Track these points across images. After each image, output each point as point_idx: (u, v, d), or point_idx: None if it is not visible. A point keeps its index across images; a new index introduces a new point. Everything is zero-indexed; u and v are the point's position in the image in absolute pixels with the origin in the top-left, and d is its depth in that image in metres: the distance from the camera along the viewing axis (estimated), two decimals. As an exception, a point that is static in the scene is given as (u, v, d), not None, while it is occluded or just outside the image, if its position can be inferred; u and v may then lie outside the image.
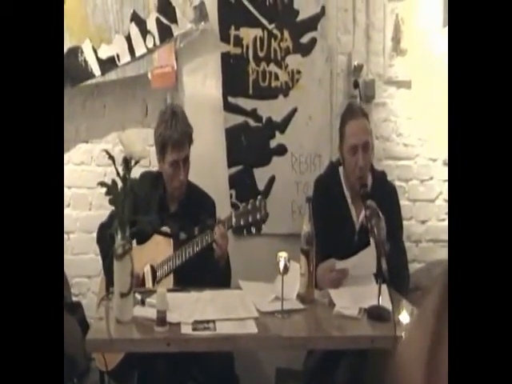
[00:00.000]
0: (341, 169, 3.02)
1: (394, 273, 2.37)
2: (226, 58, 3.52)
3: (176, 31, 3.43)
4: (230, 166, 3.55)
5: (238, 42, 3.53)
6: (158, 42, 3.44)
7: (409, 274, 2.91)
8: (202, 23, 3.45)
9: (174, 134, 2.77)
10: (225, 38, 3.52)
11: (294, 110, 3.57)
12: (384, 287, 2.37)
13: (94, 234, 3.07)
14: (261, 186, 3.55)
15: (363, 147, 2.85)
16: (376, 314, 2.38)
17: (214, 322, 2.31)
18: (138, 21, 3.43)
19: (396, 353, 0.58)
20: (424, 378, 0.52)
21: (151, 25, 3.43)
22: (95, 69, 3.42)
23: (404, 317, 2.28)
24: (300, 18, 3.55)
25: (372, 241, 2.55)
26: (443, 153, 3.62)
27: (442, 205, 3.70)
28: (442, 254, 3.59)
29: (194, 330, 2.25)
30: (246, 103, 3.54)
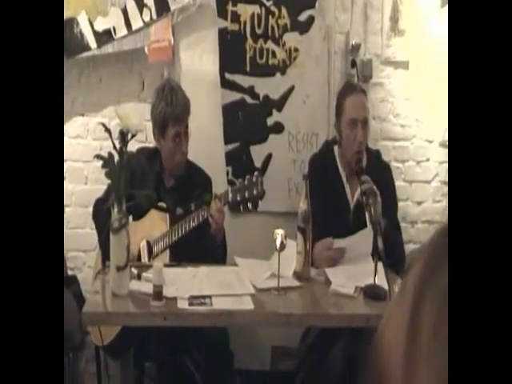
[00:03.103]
0: (336, 148, 3.01)
1: (390, 250, 2.38)
2: (223, 34, 3.49)
3: (173, 5, 3.39)
4: (226, 142, 3.52)
5: (236, 18, 3.49)
6: (154, 16, 3.40)
7: (404, 252, 2.92)
8: (200, -2, 3.41)
9: (176, 109, 2.76)
10: (222, 13, 3.48)
11: (292, 88, 3.54)
12: (380, 266, 2.38)
13: (90, 209, 3.05)
14: (257, 163, 3.54)
15: (362, 123, 2.84)
16: (372, 293, 2.39)
17: (210, 297, 2.31)
18: (135, -7, 3.39)
19: (377, 331, 0.57)
20: (404, 354, 0.52)
21: (148, -2, 3.39)
22: (91, 41, 3.38)
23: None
24: (298, -5, 3.52)
25: (368, 219, 2.55)
26: (440, 134, 3.62)
27: (437, 186, 3.71)
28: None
29: (190, 304, 2.25)
30: (243, 80, 3.51)
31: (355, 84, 3.02)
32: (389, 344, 0.55)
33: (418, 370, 0.50)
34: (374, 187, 2.62)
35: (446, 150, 3.65)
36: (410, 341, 0.52)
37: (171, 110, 2.76)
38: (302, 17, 3.53)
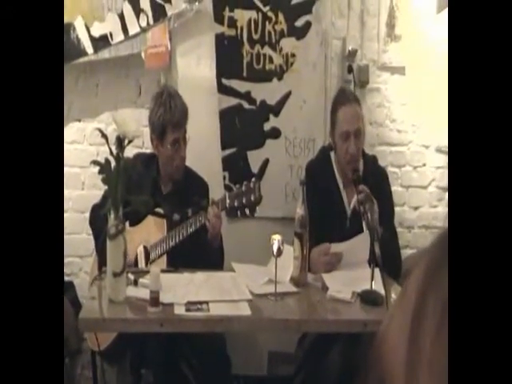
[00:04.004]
0: (332, 154, 3.01)
1: (387, 257, 2.38)
2: (220, 39, 3.49)
3: (170, 11, 3.39)
4: (223, 148, 3.52)
5: (233, 23, 3.49)
6: (151, 22, 3.40)
7: (401, 257, 2.93)
8: (196, 3, 3.41)
9: (175, 115, 2.76)
10: (219, 19, 3.48)
11: (288, 94, 3.55)
12: (377, 271, 2.38)
13: (87, 214, 3.05)
14: (254, 168, 3.54)
15: (355, 134, 2.85)
16: (369, 298, 2.39)
17: (207, 303, 2.31)
18: (132, -1, 3.39)
19: (378, 333, 0.57)
20: (406, 356, 0.52)
21: (145, 4, 3.39)
22: (88, 46, 3.38)
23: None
24: (295, 0, 3.52)
25: (365, 226, 2.56)
26: (436, 139, 3.63)
27: (434, 191, 3.72)
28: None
29: (187, 310, 2.25)
30: (240, 85, 3.51)
31: (348, 93, 3.02)
32: (390, 346, 0.55)
33: (420, 372, 0.50)
34: (372, 196, 2.62)
35: (443, 156, 3.65)
36: (411, 343, 0.52)
37: (170, 116, 2.76)
38: (299, 22, 3.54)
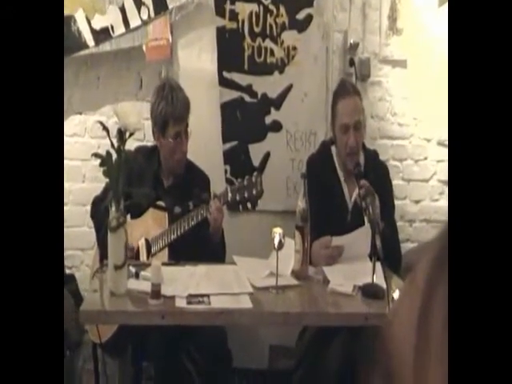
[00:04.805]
0: (333, 147, 3.01)
1: (387, 251, 2.38)
2: (221, 32, 3.48)
3: (171, 4, 3.39)
4: (224, 141, 3.52)
5: (234, 16, 3.48)
6: (152, 14, 3.39)
7: (400, 251, 2.93)
8: (198, -4, 3.40)
9: (177, 108, 2.76)
10: (220, 12, 3.47)
11: (290, 87, 3.54)
12: (378, 265, 2.38)
13: (88, 207, 3.05)
14: (256, 162, 3.53)
15: (354, 126, 2.85)
16: (370, 292, 2.39)
17: (208, 296, 2.31)
18: (133, -8, 3.38)
19: (386, 321, 0.57)
20: (415, 345, 0.52)
21: (146, -4, 3.38)
22: (89, 39, 3.37)
23: (397, 295, 2.29)
24: (296, -7, 3.52)
25: (366, 219, 2.56)
26: (438, 133, 3.62)
27: (435, 185, 3.71)
28: (435, 234, 3.60)
29: (188, 303, 2.25)
30: (242, 78, 3.51)
31: (348, 85, 3.00)
32: (398, 336, 0.55)
33: (429, 361, 0.50)
34: (373, 190, 2.63)
35: (444, 149, 3.65)
36: (420, 332, 0.52)
37: (172, 109, 2.76)
38: (301, 15, 3.53)
